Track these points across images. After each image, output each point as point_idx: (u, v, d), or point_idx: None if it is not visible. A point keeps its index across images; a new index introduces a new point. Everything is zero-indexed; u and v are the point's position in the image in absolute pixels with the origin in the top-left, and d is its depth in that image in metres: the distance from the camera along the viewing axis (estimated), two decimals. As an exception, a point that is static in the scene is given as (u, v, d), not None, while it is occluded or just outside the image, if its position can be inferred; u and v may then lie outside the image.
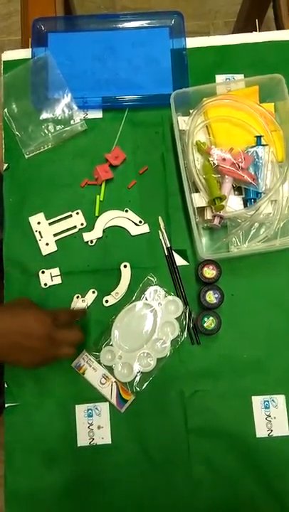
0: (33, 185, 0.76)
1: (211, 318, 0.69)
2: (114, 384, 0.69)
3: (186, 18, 0.82)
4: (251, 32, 0.84)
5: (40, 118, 0.77)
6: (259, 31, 0.84)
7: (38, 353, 0.59)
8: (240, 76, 0.80)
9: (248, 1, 1.17)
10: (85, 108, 0.79)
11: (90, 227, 0.75)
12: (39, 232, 0.74)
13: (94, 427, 0.68)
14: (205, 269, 0.70)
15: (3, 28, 1.66)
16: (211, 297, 0.69)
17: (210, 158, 0.70)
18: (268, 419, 0.68)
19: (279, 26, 0.98)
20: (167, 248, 0.73)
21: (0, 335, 0.57)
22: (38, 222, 0.75)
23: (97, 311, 0.72)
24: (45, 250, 0.74)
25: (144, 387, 0.68)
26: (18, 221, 0.75)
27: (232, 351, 0.70)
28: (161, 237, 0.74)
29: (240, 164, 0.69)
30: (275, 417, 0.68)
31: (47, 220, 0.75)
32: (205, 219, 0.72)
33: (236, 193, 0.73)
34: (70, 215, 0.75)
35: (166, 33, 0.82)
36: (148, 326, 0.70)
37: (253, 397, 0.69)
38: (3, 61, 0.82)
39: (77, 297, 0.72)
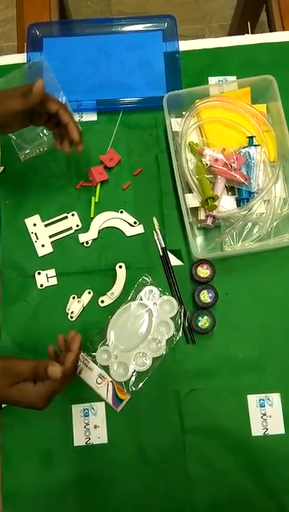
0: (28, 187, 0.77)
1: (205, 317, 0.70)
2: (110, 384, 0.69)
3: (182, 22, 0.83)
4: (244, 35, 0.85)
5: (36, 121, 0.77)
6: (252, 34, 0.85)
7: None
8: (233, 78, 0.81)
9: (242, 5, 1.18)
10: (80, 111, 0.80)
11: (85, 228, 0.75)
12: (35, 233, 0.75)
13: (90, 426, 0.69)
14: (199, 268, 0.71)
15: (1, 34, 1.68)
16: (206, 296, 0.70)
17: (203, 159, 0.71)
18: (264, 417, 0.69)
19: (272, 29, 0.99)
20: (162, 248, 0.74)
21: None
22: (34, 224, 0.76)
23: (92, 311, 0.72)
24: (41, 252, 0.74)
25: (139, 386, 0.69)
26: (14, 223, 0.76)
27: (227, 350, 0.71)
28: (155, 237, 0.75)
29: (232, 165, 0.70)
30: (270, 416, 0.69)
31: (43, 221, 0.76)
32: (198, 219, 0.73)
33: (229, 193, 0.74)
34: (66, 217, 0.76)
35: (159, 37, 0.83)
36: (143, 325, 0.71)
37: (248, 396, 0.69)
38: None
39: (73, 298, 0.73)
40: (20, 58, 0.83)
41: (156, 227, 0.75)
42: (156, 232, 0.75)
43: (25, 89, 0.60)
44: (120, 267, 0.73)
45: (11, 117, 0.61)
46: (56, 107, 0.62)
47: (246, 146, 0.73)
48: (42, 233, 0.75)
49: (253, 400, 0.69)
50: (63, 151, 0.67)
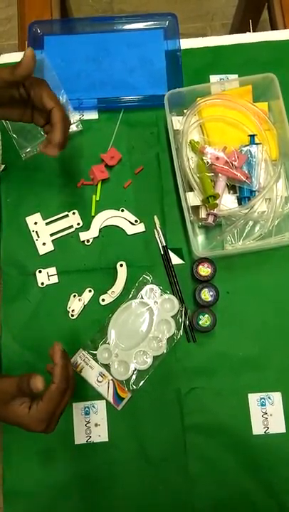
0: (29, 185, 0.77)
1: (206, 315, 0.69)
2: (110, 382, 0.69)
3: (184, 21, 0.83)
4: (246, 33, 0.85)
5: (37, 119, 0.77)
6: (254, 32, 0.85)
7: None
8: (234, 76, 0.80)
9: (243, 3, 1.18)
10: (81, 109, 0.80)
11: (86, 226, 0.75)
12: (36, 232, 0.75)
13: (91, 424, 0.69)
14: (200, 267, 0.71)
15: (2, 33, 1.68)
16: (206, 295, 0.70)
17: (204, 157, 0.71)
18: (265, 416, 0.69)
19: (274, 27, 0.99)
20: (163, 247, 0.74)
21: None
22: (35, 222, 0.75)
23: (93, 309, 0.72)
24: (42, 250, 0.74)
25: (140, 385, 0.69)
26: (15, 221, 0.76)
27: (228, 349, 0.71)
28: (156, 236, 0.75)
29: (233, 163, 0.70)
30: (271, 414, 0.69)
31: (44, 220, 0.76)
32: (200, 217, 0.72)
33: (230, 191, 0.74)
34: (67, 215, 0.76)
35: (160, 35, 0.83)
36: (144, 324, 0.71)
37: (249, 395, 0.69)
38: (0, 64, 0.83)
39: (74, 296, 0.73)
40: (21, 57, 0.82)
41: (157, 225, 0.75)
42: (157, 231, 0.75)
43: (16, 64, 0.58)
44: (121, 265, 0.73)
45: (2, 90, 0.58)
46: (51, 105, 0.59)
47: (248, 145, 0.72)
48: (43, 231, 0.75)
49: (253, 398, 0.69)
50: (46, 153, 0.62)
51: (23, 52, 0.82)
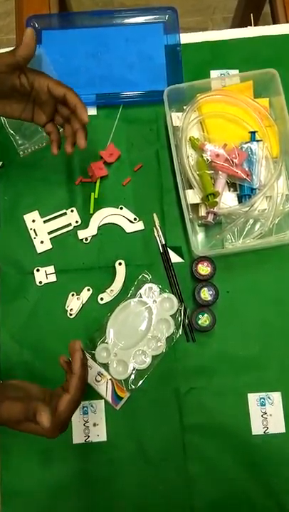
0: (27, 183, 0.76)
1: (205, 315, 0.69)
2: (109, 381, 0.69)
3: (185, 14, 0.82)
4: (247, 27, 0.83)
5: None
6: (255, 26, 0.84)
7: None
8: (235, 71, 0.79)
9: (245, -4, 1.16)
10: (79, 105, 0.79)
11: (84, 224, 0.75)
12: (34, 230, 0.74)
13: (89, 424, 0.68)
14: (200, 266, 0.70)
15: (1, 27, 1.66)
16: (206, 294, 0.69)
17: (204, 155, 0.70)
18: (264, 416, 0.68)
19: (275, 21, 0.97)
20: (162, 245, 0.73)
21: None
22: (33, 220, 0.75)
23: (92, 308, 0.71)
24: (40, 248, 0.74)
25: (139, 384, 0.68)
26: (13, 219, 0.75)
27: (227, 348, 0.70)
28: (156, 234, 0.74)
29: (234, 160, 0.69)
30: (270, 414, 0.68)
31: (41, 217, 0.75)
32: (199, 216, 0.72)
33: (231, 189, 0.73)
34: (65, 213, 0.75)
35: (160, 29, 0.82)
36: (143, 323, 0.70)
37: (248, 395, 0.69)
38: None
39: (73, 295, 0.72)
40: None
41: (157, 223, 0.74)
42: (157, 229, 0.74)
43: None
44: (120, 263, 0.72)
45: (2, 75, 0.56)
46: (62, 91, 0.58)
47: (248, 142, 0.71)
48: (41, 229, 0.74)
49: (253, 398, 0.69)
50: (66, 152, 0.64)
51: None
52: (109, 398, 0.68)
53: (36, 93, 0.60)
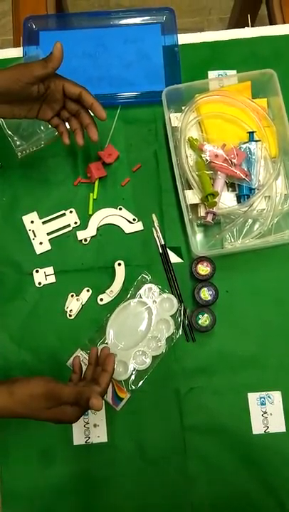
0: (26, 184, 0.76)
1: (205, 315, 0.69)
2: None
3: (181, 15, 0.82)
4: (244, 28, 0.84)
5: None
6: (252, 27, 0.84)
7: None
8: (233, 72, 0.79)
9: (241, -3, 1.17)
10: (78, 106, 0.78)
11: (83, 225, 0.74)
12: (33, 231, 0.74)
13: (90, 425, 0.68)
14: (199, 266, 0.70)
15: (-3, 28, 1.66)
16: (206, 294, 0.69)
17: (202, 155, 0.70)
18: (264, 415, 0.68)
19: (272, 22, 0.98)
20: (161, 245, 0.73)
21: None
22: (32, 221, 0.75)
23: (91, 309, 0.71)
24: (39, 249, 0.73)
25: (139, 385, 0.68)
26: (12, 220, 0.75)
27: (227, 348, 0.70)
28: (155, 234, 0.74)
29: (232, 160, 0.69)
30: (271, 414, 0.68)
31: (40, 218, 0.75)
32: (198, 216, 0.72)
33: (230, 189, 0.73)
34: (64, 214, 0.75)
35: (157, 30, 0.82)
36: (143, 323, 0.70)
37: (248, 394, 0.69)
38: (-3, 60, 0.81)
39: (72, 296, 0.72)
40: (16, 52, 0.82)
41: (156, 224, 0.74)
42: (156, 229, 0.74)
43: (44, 58, 0.59)
44: (119, 264, 0.72)
45: (25, 86, 0.58)
46: (78, 90, 0.61)
47: (247, 142, 0.71)
48: (40, 230, 0.74)
49: (253, 397, 0.69)
50: (77, 144, 0.66)
51: (18, 48, 0.82)
52: (109, 399, 0.68)
53: (51, 93, 0.62)
